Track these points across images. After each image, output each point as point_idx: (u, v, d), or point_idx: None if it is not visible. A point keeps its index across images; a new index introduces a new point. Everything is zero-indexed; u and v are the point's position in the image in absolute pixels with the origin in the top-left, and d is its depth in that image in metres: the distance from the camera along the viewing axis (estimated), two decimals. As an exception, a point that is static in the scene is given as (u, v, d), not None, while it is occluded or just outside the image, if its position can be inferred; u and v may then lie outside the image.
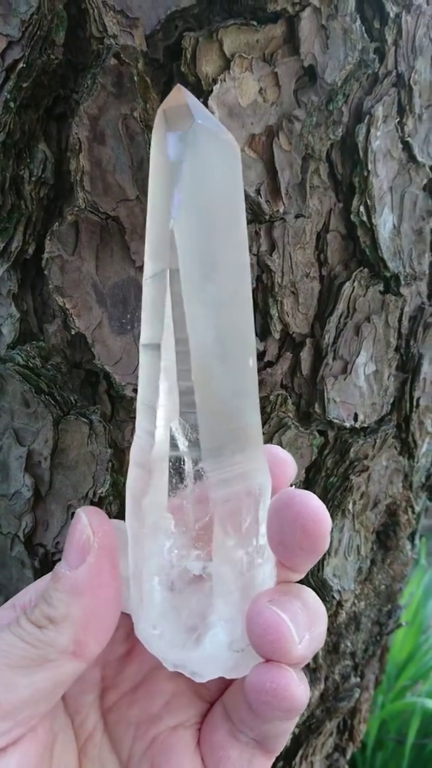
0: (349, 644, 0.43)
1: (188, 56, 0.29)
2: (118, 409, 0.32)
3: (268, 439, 0.34)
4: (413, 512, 0.45)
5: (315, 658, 0.40)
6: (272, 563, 0.21)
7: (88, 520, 0.21)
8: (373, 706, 1.12)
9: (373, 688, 0.53)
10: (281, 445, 0.35)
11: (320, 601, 0.21)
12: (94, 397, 0.33)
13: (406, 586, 1.20)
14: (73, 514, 0.33)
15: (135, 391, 0.32)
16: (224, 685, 0.22)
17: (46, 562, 0.34)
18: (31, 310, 0.33)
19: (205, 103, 0.29)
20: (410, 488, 0.44)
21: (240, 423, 0.20)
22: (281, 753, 0.42)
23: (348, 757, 0.49)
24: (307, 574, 0.37)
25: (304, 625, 0.19)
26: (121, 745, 0.23)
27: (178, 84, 0.20)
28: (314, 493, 0.38)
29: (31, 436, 0.33)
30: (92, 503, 0.32)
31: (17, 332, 0.32)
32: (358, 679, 0.44)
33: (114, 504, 0.32)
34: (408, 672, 1.13)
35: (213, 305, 0.19)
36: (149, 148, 0.30)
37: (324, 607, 0.21)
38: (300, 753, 0.42)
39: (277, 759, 0.42)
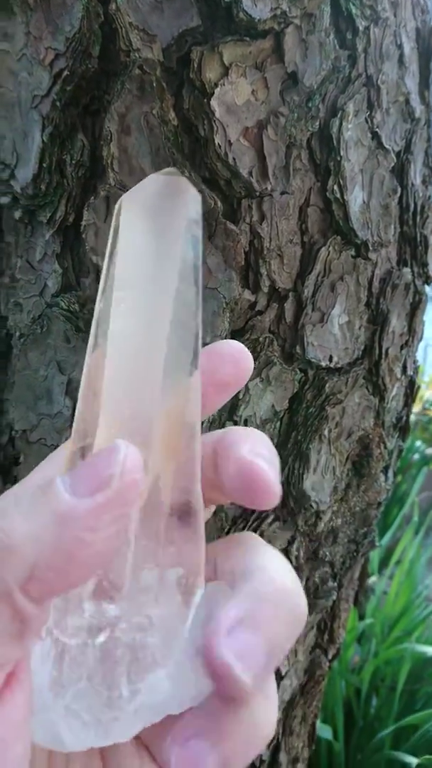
0: (327, 553, 0.51)
1: (195, 65, 0.38)
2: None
3: (257, 374, 0.43)
4: (385, 447, 0.54)
5: (297, 558, 0.49)
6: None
7: (125, 456, 0.17)
8: (368, 655, 1.21)
9: (353, 603, 0.62)
10: (268, 379, 0.43)
11: (284, 581, 0.19)
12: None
13: (399, 547, 1.28)
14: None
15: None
16: None
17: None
18: (70, 267, 0.41)
19: (208, 103, 0.38)
20: (382, 426, 0.53)
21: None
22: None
23: (330, 657, 0.58)
24: (287, 485, 0.46)
25: (260, 656, 0.18)
26: None
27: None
28: (295, 421, 0.46)
29: (71, 366, 0.41)
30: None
31: (60, 285, 0.41)
32: (336, 584, 0.53)
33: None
34: (401, 624, 1.22)
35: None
36: (164, 139, 0.38)
37: (289, 592, 0.20)
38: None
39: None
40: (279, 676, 0.52)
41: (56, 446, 0.43)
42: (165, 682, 0.19)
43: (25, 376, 0.43)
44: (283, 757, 0.56)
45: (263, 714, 0.19)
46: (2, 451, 0.45)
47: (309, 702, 0.57)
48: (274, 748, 0.55)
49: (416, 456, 1.95)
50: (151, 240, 0.21)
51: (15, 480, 0.45)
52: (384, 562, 1.44)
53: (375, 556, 1.38)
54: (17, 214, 0.40)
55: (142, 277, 0.21)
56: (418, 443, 2.00)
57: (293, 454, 0.45)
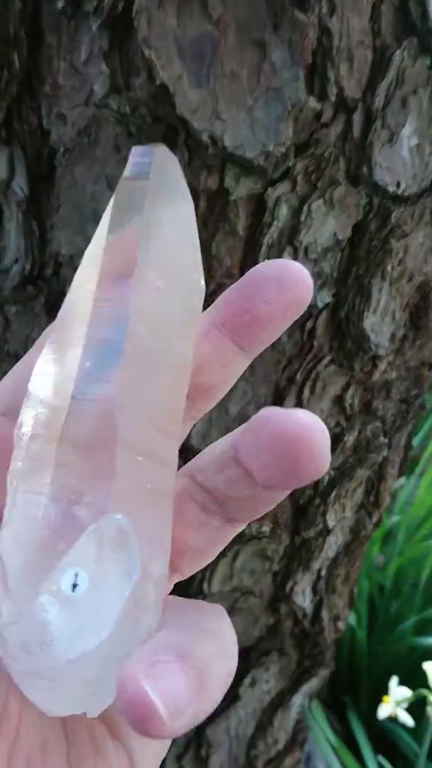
0: (380, 407, 0.50)
1: None
2: (195, 159, 0.38)
3: (320, 195, 0.39)
4: (443, 301, 0.51)
5: (351, 407, 0.47)
6: None
7: None
8: (392, 553, 1.23)
9: (398, 473, 0.61)
10: (331, 202, 0.40)
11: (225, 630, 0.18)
12: (172, 149, 0.38)
13: (426, 452, 1.27)
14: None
15: (210, 138, 0.37)
16: None
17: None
18: (119, 68, 0.37)
19: None
20: (442, 277, 0.50)
21: None
22: (318, 490, 0.50)
23: (373, 521, 0.58)
24: (347, 324, 0.43)
25: (186, 698, 0.15)
26: None
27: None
28: (357, 255, 0.43)
29: (120, 182, 0.38)
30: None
31: (107, 89, 0.37)
32: (386, 441, 0.52)
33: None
34: (428, 524, 1.23)
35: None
36: None
37: (232, 641, 0.18)
38: (334, 493, 0.50)
39: (314, 495, 0.50)
40: (326, 531, 0.52)
41: (105, 274, 0.41)
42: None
43: (70, 195, 0.40)
44: (324, 614, 0.57)
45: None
46: (47, 284, 0.43)
47: (352, 562, 0.57)
48: (317, 603, 0.56)
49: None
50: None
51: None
52: (411, 470, 1.44)
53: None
54: (60, 4, 0.36)
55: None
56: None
57: (354, 289, 0.43)
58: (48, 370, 0.19)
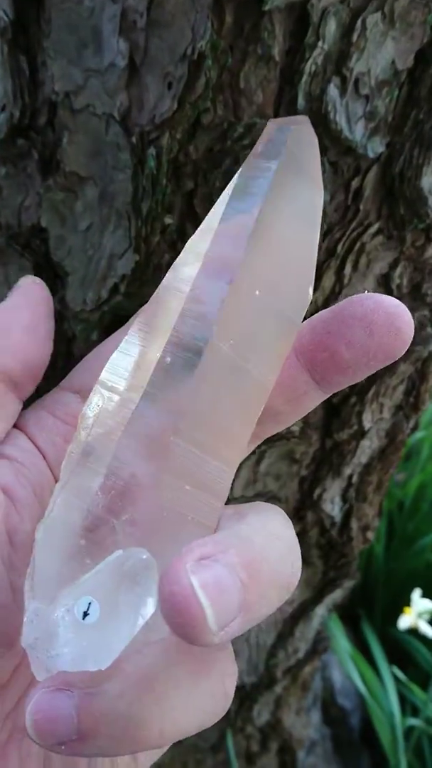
0: (429, 292, 0.43)
1: None
2: None
3: (378, 7, 0.31)
4: None
5: (399, 288, 0.41)
6: None
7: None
8: (415, 470, 1.20)
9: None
10: (392, 16, 0.32)
11: (286, 536, 0.17)
12: None
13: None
14: (170, 84, 0.32)
15: None
16: None
17: (142, 142, 0.33)
18: None
19: None
20: None
21: None
22: (355, 387, 0.44)
23: (410, 425, 0.53)
24: (401, 182, 0.36)
25: (234, 606, 0.14)
26: None
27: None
28: (417, 94, 0.35)
29: (125, -13, 0.30)
30: (191, 63, 0.31)
31: None
32: (434, 333, 0.45)
33: (213, 69, 0.31)
34: (452, 442, 1.19)
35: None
36: None
37: (293, 550, 0.17)
38: (373, 390, 0.44)
39: (350, 393, 0.44)
40: (361, 434, 0.47)
41: (109, 116, 0.33)
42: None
43: (64, 13, 0.32)
44: (354, 523, 0.53)
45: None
46: (41, 136, 0.36)
47: (385, 469, 0.52)
48: (347, 512, 0.52)
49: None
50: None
51: (58, 166, 0.36)
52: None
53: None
54: None
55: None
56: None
57: (412, 138, 0.35)
58: (125, 359, 0.19)
